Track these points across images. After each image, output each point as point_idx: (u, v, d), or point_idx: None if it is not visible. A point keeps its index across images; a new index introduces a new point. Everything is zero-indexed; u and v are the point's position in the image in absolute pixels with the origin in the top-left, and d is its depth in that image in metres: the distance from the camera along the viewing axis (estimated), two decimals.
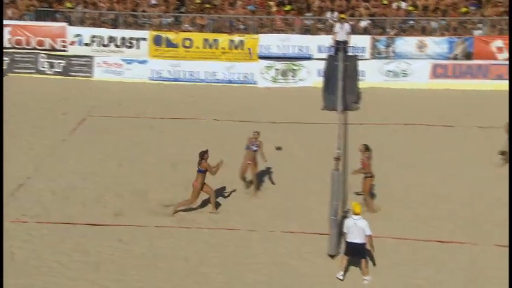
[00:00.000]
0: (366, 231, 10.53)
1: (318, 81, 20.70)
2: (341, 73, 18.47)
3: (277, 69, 22.00)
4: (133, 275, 10.85)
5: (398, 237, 11.92)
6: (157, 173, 14.63)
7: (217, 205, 13.14)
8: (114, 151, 15.89)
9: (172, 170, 14.84)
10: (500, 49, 20.67)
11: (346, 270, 10.74)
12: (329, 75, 19.68)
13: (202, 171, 12.61)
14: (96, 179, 14.42)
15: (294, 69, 21.97)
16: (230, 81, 22.02)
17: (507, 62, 20.53)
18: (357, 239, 10.54)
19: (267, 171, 14.74)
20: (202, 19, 22.64)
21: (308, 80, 21.79)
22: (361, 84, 20.48)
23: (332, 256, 11.25)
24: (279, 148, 15.40)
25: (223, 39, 22.01)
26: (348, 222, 10.67)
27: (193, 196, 12.71)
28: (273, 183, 14.28)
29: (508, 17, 21.10)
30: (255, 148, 13.62)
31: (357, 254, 10.64)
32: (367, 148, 12.84)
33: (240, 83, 21.95)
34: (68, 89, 20.98)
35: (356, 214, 10.64)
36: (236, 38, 22.01)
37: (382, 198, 13.38)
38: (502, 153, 14.91)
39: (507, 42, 20.58)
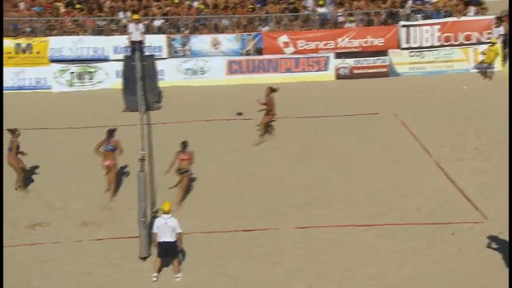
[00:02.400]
0: (176, 229, 10.55)
1: (117, 83, 20.26)
2: (139, 73, 18.24)
3: (72, 73, 21.10)
4: None
5: (207, 231, 12.15)
6: None
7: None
8: None
9: None
10: (286, 44, 22.08)
11: (159, 271, 10.67)
12: (128, 76, 19.34)
13: None
14: None
15: (90, 72, 21.25)
16: (20, 88, 20.60)
17: (293, 56, 21.99)
18: (169, 238, 10.52)
19: (69, 179, 14.10)
20: None
21: (106, 82, 21.23)
22: (161, 84, 20.48)
23: (144, 258, 11.10)
24: (239, 113, 16.50)
25: (8, 43, 20.48)
26: (159, 222, 10.60)
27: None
28: (76, 190, 13.70)
29: (289, 14, 22.67)
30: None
31: (169, 253, 10.63)
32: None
33: (32, 89, 20.66)
34: None
35: (166, 213, 10.60)
36: (23, 41, 20.63)
37: (190, 193, 13.54)
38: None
39: (292, 37, 22.05)
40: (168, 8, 22.76)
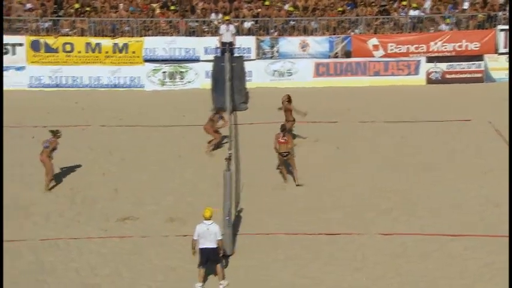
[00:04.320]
0: (217, 235, 10.44)
1: (206, 83, 20.72)
2: (228, 74, 18.61)
3: (164, 72, 21.77)
4: None
5: (290, 232, 12.18)
6: (41, 184, 13.97)
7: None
8: None
9: (58, 180, 14.27)
10: (376, 47, 21.75)
11: (204, 280, 10.61)
12: (217, 76, 19.77)
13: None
14: None
15: (181, 72, 21.85)
16: (116, 86, 21.49)
17: (383, 59, 21.63)
18: (210, 244, 10.41)
19: (159, 175, 14.59)
20: (83, 22, 21.92)
21: (196, 82, 21.76)
22: (249, 85, 20.75)
23: (227, 256, 11.29)
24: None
25: (106, 43, 21.45)
26: (200, 228, 10.46)
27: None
28: (166, 186, 14.14)
29: (380, 16, 22.29)
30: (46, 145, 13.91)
31: (211, 259, 10.50)
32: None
33: (127, 87, 21.50)
34: None
35: (207, 219, 10.48)
36: (120, 41, 21.53)
37: (273, 195, 13.64)
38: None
39: (382, 40, 21.69)
40: (259, 10, 23.00)
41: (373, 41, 21.80)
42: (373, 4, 22.97)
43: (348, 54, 21.86)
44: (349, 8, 22.99)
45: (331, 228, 12.32)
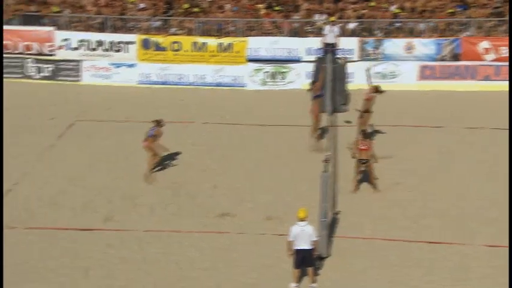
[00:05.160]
0: (312, 236, 10.38)
1: (307, 84, 20.70)
2: (330, 75, 18.49)
3: (266, 72, 22.01)
4: (123, 280, 10.80)
5: (387, 238, 11.94)
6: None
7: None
8: (104, 155, 15.83)
9: (162, 174, 14.82)
10: (487, 50, 20.79)
11: (298, 281, 10.57)
12: (318, 77, 19.68)
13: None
14: (85, 183, 14.34)
15: (282, 72, 21.98)
16: (219, 84, 21.98)
17: (494, 63, 20.64)
18: (306, 245, 10.37)
19: (257, 173, 14.77)
20: (191, 22, 22.61)
21: (297, 83, 21.79)
22: (350, 86, 20.52)
23: (322, 258, 11.24)
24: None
25: (211, 42, 22.01)
26: (295, 229, 10.42)
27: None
28: (263, 184, 14.30)
29: (494, 19, 21.26)
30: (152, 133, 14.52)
31: (306, 261, 10.46)
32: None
33: (229, 86, 21.93)
34: (55, 93, 20.86)
35: (302, 220, 10.43)
36: (225, 41, 22.00)
37: (371, 198, 13.41)
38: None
39: (494, 43, 20.69)
40: (364, 11, 22.68)
41: (484, 44, 20.85)
42: (485, 6, 21.97)
43: (456, 57, 21.06)
44: (459, 9, 22.13)
45: (431, 236, 11.94)
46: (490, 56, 20.75)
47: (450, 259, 11.23)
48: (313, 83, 19.74)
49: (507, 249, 11.32)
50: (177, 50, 21.99)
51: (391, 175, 14.33)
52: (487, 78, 20.80)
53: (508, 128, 16.54)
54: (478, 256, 11.27)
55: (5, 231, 12.15)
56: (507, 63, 20.54)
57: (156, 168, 14.75)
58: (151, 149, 14.58)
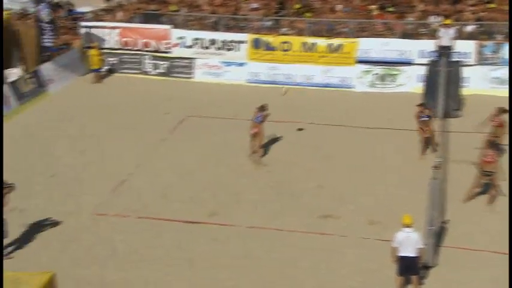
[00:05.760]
0: (418, 244, 10.10)
1: (418, 87, 20.15)
2: (443, 79, 17.86)
3: (375, 74, 21.64)
4: (226, 274, 11.07)
5: (499, 251, 11.38)
6: (251, 174, 14.83)
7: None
8: (212, 151, 16.27)
9: (266, 171, 15.02)
10: None
11: None
12: (431, 81, 19.09)
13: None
14: (193, 177, 14.83)
15: (393, 74, 21.52)
16: (327, 85, 21.89)
17: None
18: (411, 253, 10.12)
19: (361, 176, 14.60)
20: (302, 22, 22.70)
21: (408, 86, 21.26)
22: (465, 91, 19.70)
23: (428, 267, 10.91)
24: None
25: (321, 42, 21.96)
26: (400, 236, 10.20)
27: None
28: (367, 188, 14.11)
29: None
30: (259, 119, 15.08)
31: (410, 269, 10.22)
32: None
33: (337, 87, 21.78)
34: (170, 89, 21.73)
35: (407, 226, 10.17)
36: (335, 41, 21.88)
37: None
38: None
39: None
40: (483, 13, 21.69)
41: None
42: None
43: None
44: None
45: None
46: None
47: None
48: (426, 86, 19.21)
49: None
50: (286, 50, 22.15)
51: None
52: None
53: None
54: None
55: (119, 219, 12.85)
56: None
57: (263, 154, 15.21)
58: (260, 135, 15.20)
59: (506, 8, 21.37)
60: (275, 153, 15.67)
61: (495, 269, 10.90)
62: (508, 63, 20.09)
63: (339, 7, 23.08)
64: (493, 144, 13.38)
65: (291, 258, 11.55)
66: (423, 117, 15.64)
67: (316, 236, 12.28)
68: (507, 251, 11.28)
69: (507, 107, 15.26)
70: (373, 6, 22.92)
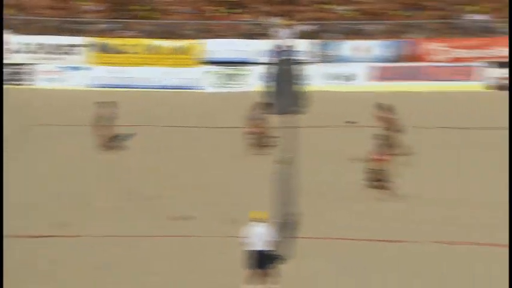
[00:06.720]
0: (269, 238, 10.31)
1: (262, 86, 20.80)
2: (285, 77, 18.64)
3: (222, 74, 22.04)
4: (84, 285, 10.70)
5: (346, 238, 12.12)
6: (103, 181, 14.50)
7: None
8: (58, 160, 15.61)
9: (114, 178, 14.74)
10: (437, 51, 21.35)
11: (255, 283, 10.50)
12: (273, 79, 19.82)
13: None
14: (42, 188, 14.17)
15: (239, 74, 22.06)
16: (174, 87, 21.90)
17: (444, 64, 21.22)
18: (262, 247, 10.29)
19: (212, 175, 14.80)
20: (145, 25, 22.47)
21: (254, 85, 21.91)
22: (306, 88, 20.68)
23: (279, 260, 11.28)
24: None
25: (166, 44, 21.91)
26: (252, 230, 10.35)
27: None
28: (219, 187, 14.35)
29: (441, 20, 21.92)
30: None
31: (262, 262, 10.36)
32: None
33: (185, 89, 21.88)
34: (9, 97, 20.39)
35: (257, 221, 10.36)
36: (179, 43, 21.94)
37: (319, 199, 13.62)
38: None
39: (444, 44, 21.28)
40: (318, 13, 22.97)
41: (434, 45, 21.43)
42: (434, 8, 22.58)
43: (408, 58, 21.56)
44: (410, 11, 22.68)
45: (391, 235, 12.16)
46: (440, 58, 21.33)
47: (413, 258, 11.45)
48: (270, 85, 19.93)
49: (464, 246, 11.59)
50: (132, 53, 21.82)
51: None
52: (437, 79, 21.35)
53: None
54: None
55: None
56: (456, 64, 21.19)
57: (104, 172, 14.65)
58: None
59: (340, 8, 22.84)
60: (123, 159, 15.40)
61: (345, 257, 11.52)
62: (341, 60, 21.52)
63: (183, 9, 23.17)
64: (380, 143, 14.00)
65: (148, 264, 11.38)
66: (262, 114, 16.11)
67: (172, 239, 12.24)
68: (354, 238, 12.04)
69: (385, 103, 15.95)
70: (216, 8, 23.30)
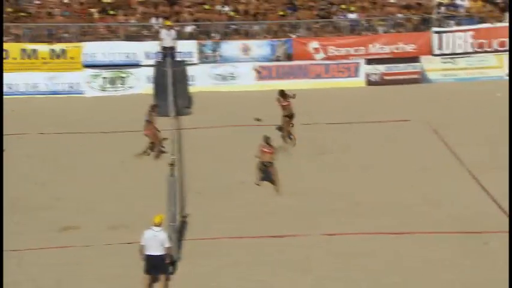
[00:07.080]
0: (165, 243, 10.25)
1: (148, 88, 20.49)
2: (170, 79, 18.46)
3: (104, 78, 21.39)
4: None
5: (234, 236, 12.16)
6: None
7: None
8: None
9: None
10: (316, 50, 22.04)
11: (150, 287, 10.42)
12: (159, 81, 19.56)
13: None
14: None
15: (122, 77, 21.53)
16: (54, 93, 20.97)
17: (324, 62, 21.96)
18: (157, 251, 10.20)
19: (101, 182, 14.31)
20: (18, 28, 21.28)
21: (138, 87, 21.48)
22: (192, 89, 20.64)
23: (174, 263, 11.14)
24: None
25: (43, 48, 20.91)
26: (147, 234, 10.26)
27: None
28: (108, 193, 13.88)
29: (321, 20, 22.66)
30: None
31: (157, 267, 10.30)
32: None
33: (66, 94, 21.01)
34: None
35: (156, 225, 10.29)
36: (58, 47, 21.02)
37: (216, 199, 13.62)
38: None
39: (322, 43, 22.00)
40: (199, 14, 22.94)
41: (314, 44, 22.09)
42: (312, 8, 23.30)
43: (289, 57, 22.06)
44: (289, 11, 23.24)
45: (276, 231, 12.35)
46: (320, 56, 22.03)
47: (294, 251, 11.70)
48: (155, 87, 19.63)
49: (344, 236, 12.06)
50: (4, 58, 20.57)
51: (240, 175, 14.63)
52: (317, 76, 22.04)
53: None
54: (319, 246, 11.86)
55: None
56: (335, 62, 22.01)
57: None
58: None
59: (220, 8, 22.94)
60: (5, 168, 14.44)
61: (238, 254, 11.59)
62: (225, 61, 21.62)
63: (58, 11, 22.21)
64: (267, 138, 14.13)
65: (31, 279, 10.76)
66: (151, 116, 15.91)
67: (58, 250, 11.66)
68: (242, 236, 12.11)
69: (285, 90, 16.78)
70: (94, 10, 22.57)
